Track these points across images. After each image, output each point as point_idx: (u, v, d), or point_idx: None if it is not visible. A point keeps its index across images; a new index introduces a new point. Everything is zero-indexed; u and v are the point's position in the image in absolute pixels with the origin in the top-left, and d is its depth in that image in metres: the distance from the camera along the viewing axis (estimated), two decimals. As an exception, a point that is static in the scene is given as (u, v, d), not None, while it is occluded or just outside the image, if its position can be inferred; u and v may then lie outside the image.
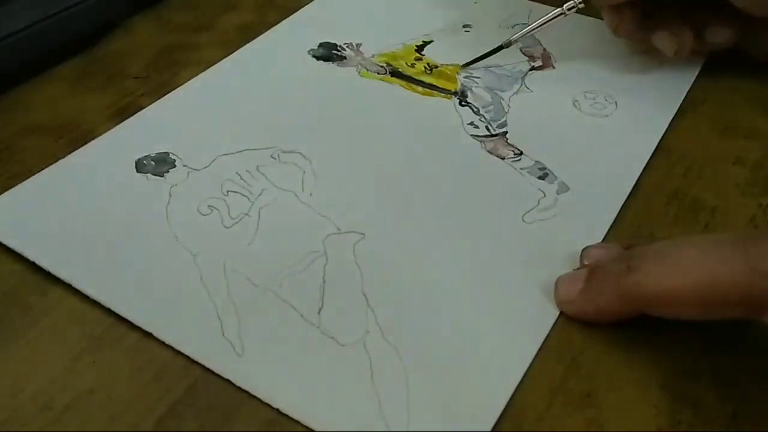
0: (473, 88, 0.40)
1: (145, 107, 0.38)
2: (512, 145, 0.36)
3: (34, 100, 0.39)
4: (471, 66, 0.41)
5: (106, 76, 0.41)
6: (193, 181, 0.34)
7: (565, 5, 0.39)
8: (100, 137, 0.37)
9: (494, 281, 0.30)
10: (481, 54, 0.40)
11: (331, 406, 0.26)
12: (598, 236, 0.32)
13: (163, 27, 0.45)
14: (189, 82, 0.40)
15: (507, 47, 0.40)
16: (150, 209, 0.33)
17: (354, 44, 0.43)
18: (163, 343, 0.28)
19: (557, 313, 0.29)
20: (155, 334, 0.28)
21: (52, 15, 0.40)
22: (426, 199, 0.33)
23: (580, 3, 0.38)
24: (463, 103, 0.39)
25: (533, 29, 0.39)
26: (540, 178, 0.34)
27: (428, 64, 0.41)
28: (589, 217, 0.32)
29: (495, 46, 0.40)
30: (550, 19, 0.39)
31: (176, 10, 0.47)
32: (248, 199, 0.33)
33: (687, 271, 0.25)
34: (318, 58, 0.42)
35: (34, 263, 0.30)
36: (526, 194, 0.34)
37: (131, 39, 0.44)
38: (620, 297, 0.26)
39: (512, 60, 0.42)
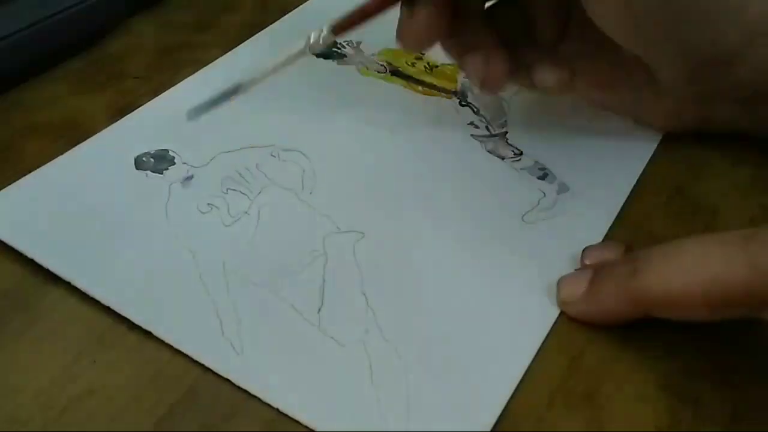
0: (473, 88, 0.40)
1: (145, 107, 0.38)
2: (512, 145, 0.36)
3: (34, 100, 0.39)
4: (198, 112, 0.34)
5: (106, 76, 0.41)
6: (192, 179, 0.34)
7: (311, 39, 0.32)
8: (98, 134, 0.36)
9: (494, 281, 0.30)
10: (209, 99, 0.33)
11: (331, 406, 0.26)
12: (598, 236, 0.32)
13: (163, 27, 0.45)
14: (188, 78, 0.40)
15: (236, 93, 0.32)
16: (149, 207, 0.33)
17: (354, 42, 0.43)
18: (163, 342, 0.28)
19: (557, 313, 0.29)
20: (155, 333, 0.28)
21: (52, 15, 0.40)
22: (426, 198, 0.33)
23: (323, 35, 0.31)
24: (463, 103, 0.39)
25: (271, 71, 0.32)
26: (540, 178, 0.34)
27: (428, 63, 0.41)
28: (589, 217, 0.32)
29: (224, 90, 0.33)
30: (293, 59, 0.32)
31: (176, 10, 0.47)
32: (248, 197, 0.33)
33: (691, 272, 0.25)
34: (318, 55, 0.42)
35: (34, 263, 0.30)
36: (526, 194, 0.33)
37: (131, 39, 0.44)
38: (627, 300, 0.26)
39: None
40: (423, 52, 0.42)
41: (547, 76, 0.34)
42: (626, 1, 0.30)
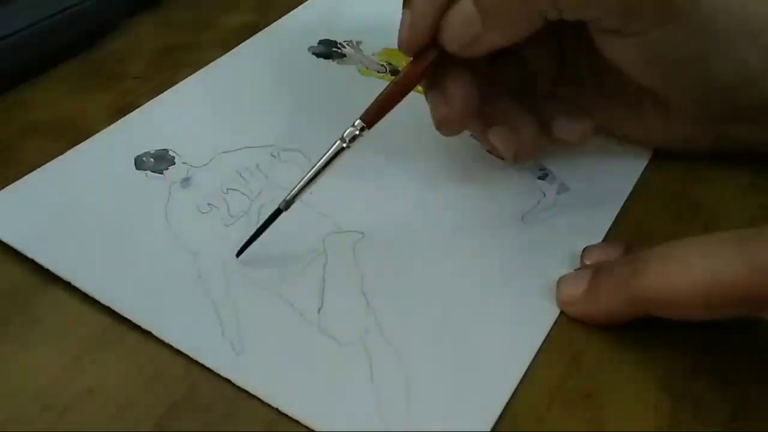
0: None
1: (145, 107, 0.38)
2: (512, 145, 0.36)
3: (34, 100, 0.39)
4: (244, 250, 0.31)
5: (106, 76, 0.41)
6: (192, 179, 0.34)
7: (344, 133, 0.30)
8: (98, 134, 0.36)
9: (494, 281, 0.30)
10: (255, 231, 0.30)
11: (331, 406, 0.26)
12: (598, 236, 0.32)
13: (163, 27, 0.45)
14: (188, 78, 0.40)
15: (286, 210, 0.30)
16: (149, 207, 0.33)
17: (354, 42, 0.43)
18: (163, 343, 0.28)
19: (557, 313, 0.29)
20: (155, 333, 0.28)
21: (52, 15, 0.40)
22: (426, 198, 0.33)
23: (361, 129, 0.30)
24: (463, 102, 0.39)
25: (312, 178, 0.30)
26: (540, 178, 0.34)
27: (428, 63, 0.41)
28: (589, 217, 0.32)
29: (270, 214, 0.30)
30: (332, 158, 0.30)
31: (176, 10, 0.47)
32: (248, 197, 0.33)
33: (690, 272, 0.25)
34: (318, 55, 0.42)
35: (34, 263, 0.30)
36: (526, 194, 0.33)
37: (131, 39, 0.44)
38: (626, 300, 0.27)
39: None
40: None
41: (569, 129, 0.33)
42: (653, 47, 0.30)
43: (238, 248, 0.30)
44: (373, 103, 0.31)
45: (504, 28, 0.29)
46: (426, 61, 0.31)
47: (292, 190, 0.30)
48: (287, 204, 0.30)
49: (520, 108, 0.33)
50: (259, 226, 0.30)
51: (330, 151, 0.30)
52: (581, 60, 0.33)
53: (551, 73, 0.35)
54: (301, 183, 0.30)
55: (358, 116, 0.30)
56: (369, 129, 0.30)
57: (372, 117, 0.30)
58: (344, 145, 0.30)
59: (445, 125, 0.32)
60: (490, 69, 0.34)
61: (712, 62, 0.31)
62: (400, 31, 0.31)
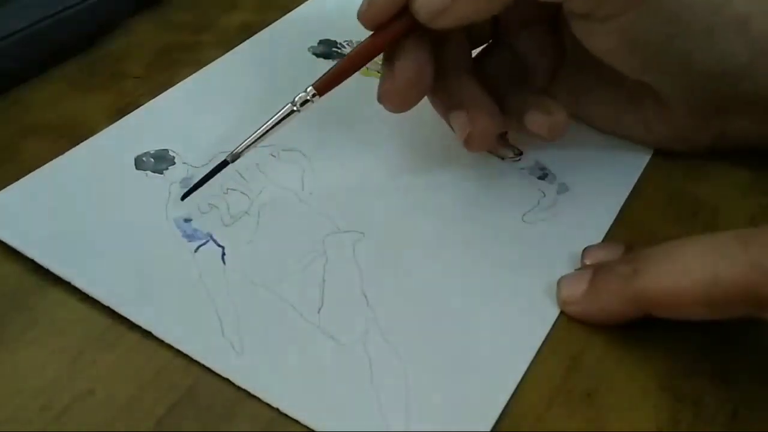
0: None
1: (144, 106, 0.38)
2: (512, 145, 0.36)
3: (34, 100, 0.39)
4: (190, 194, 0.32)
5: (106, 76, 0.41)
6: (192, 179, 0.34)
7: (296, 98, 0.31)
8: (98, 134, 0.36)
9: (494, 281, 0.30)
10: (201, 178, 0.32)
11: (331, 406, 0.26)
12: (598, 236, 0.32)
13: (163, 27, 0.45)
14: (188, 78, 0.40)
15: (232, 162, 0.32)
16: (149, 207, 0.33)
17: (354, 42, 0.43)
18: (163, 342, 0.28)
19: (557, 313, 0.29)
20: (154, 332, 0.28)
21: (52, 15, 0.40)
22: (426, 198, 0.33)
23: (313, 96, 0.31)
24: (463, 102, 0.39)
25: (261, 136, 0.31)
26: (540, 178, 0.34)
27: (428, 63, 0.41)
28: (589, 217, 0.32)
29: (215, 167, 0.32)
30: (281, 119, 0.31)
31: (176, 10, 0.47)
32: (248, 197, 0.33)
33: (691, 272, 0.25)
34: (318, 55, 0.42)
35: (34, 263, 0.30)
36: (526, 194, 0.34)
37: (131, 39, 0.44)
38: (627, 300, 0.27)
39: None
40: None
41: (538, 122, 0.32)
42: (628, 32, 0.30)
43: (184, 194, 0.32)
44: (327, 73, 0.32)
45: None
46: (384, 37, 0.31)
47: (240, 145, 0.31)
48: (234, 157, 0.32)
49: (485, 96, 0.33)
50: (205, 174, 0.32)
51: (280, 112, 0.31)
52: (580, 54, 0.33)
53: (547, 67, 0.35)
54: (249, 139, 0.31)
55: (311, 84, 0.31)
56: (320, 96, 0.31)
57: (324, 85, 0.31)
58: (294, 108, 0.31)
59: (384, 99, 0.32)
60: (469, 53, 0.34)
61: (694, 51, 0.31)
62: (362, 4, 0.31)
